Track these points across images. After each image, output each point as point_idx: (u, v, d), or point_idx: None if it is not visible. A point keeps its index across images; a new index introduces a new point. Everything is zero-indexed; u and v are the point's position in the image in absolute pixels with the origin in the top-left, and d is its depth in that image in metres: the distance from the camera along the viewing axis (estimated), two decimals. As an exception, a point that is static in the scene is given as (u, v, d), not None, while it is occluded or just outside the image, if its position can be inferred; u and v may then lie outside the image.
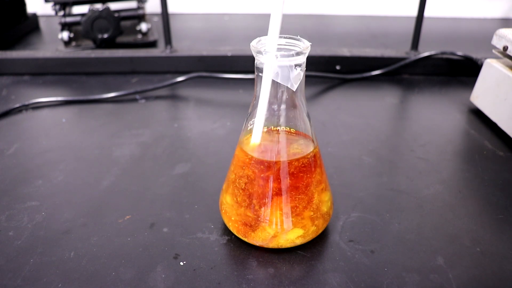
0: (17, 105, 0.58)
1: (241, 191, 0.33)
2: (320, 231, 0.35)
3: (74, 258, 0.34)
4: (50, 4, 0.78)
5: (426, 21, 0.69)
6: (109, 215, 0.38)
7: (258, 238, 0.33)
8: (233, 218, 0.34)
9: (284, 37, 0.31)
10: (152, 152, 0.48)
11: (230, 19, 1.04)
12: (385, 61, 0.69)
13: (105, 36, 0.77)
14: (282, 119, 0.32)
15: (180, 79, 0.65)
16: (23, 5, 0.91)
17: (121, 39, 0.82)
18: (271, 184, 0.32)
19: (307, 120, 0.33)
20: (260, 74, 0.30)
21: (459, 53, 0.68)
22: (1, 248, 0.35)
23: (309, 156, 0.33)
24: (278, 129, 0.32)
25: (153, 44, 0.84)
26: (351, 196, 0.41)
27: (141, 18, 0.83)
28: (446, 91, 0.65)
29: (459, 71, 0.70)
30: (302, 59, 0.29)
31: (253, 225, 0.33)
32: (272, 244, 0.33)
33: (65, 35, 0.79)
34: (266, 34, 0.31)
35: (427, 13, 0.67)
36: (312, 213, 0.33)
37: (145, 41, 0.84)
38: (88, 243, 0.35)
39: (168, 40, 0.70)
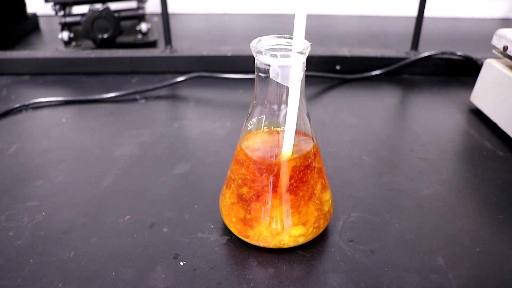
0: (17, 105, 0.58)
1: (241, 192, 0.33)
2: (321, 230, 0.35)
3: (74, 258, 0.34)
4: (50, 4, 0.78)
5: (426, 21, 0.69)
6: (109, 215, 0.38)
7: (259, 238, 0.33)
8: (233, 220, 0.34)
9: (284, 37, 0.31)
10: (152, 152, 0.48)
11: (230, 19, 1.04)
12: (385, 61, 0.69)
13: (105, 36, 0.77)
14: (282, 119, 0.32)
15: (180, 79, 0.65)
16: (23, 5, 0.91)
17: (121, 39, 0.82)
18: (271, 184, 0.32)
19: (307, 120, 0.33)
20: (260, 74, 0.30)
21: (459, 53, 0.68)
22: (1, 248, 0.35)
23: (309, 156, 0.33)
24: (278, 129, 0.32)
25: (153, 44, 0.84)
26: (351, 196, 0.41)
27: (141, 18, 0.83)
28: (446, 91, 0.65)
29: (459, 71, 0.70)
30: (302, 59, 0.29)
31: (254, 225, 0.33)
32: (274, 244, 0.33)
33: (65, 35, 0.79)
34: (266, 34, 0.31)
35: (427, 13, 0.67)
36: (313, 212, 0.33)
37: (145, 41, 0.84)
38: (88, 243, 0.35)
39: (168, 40, 0.70)
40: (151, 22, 0.93)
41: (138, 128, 0.54)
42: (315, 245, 0.35)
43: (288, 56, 0.28)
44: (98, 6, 0.77)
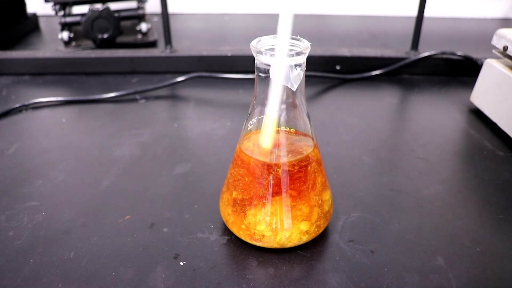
0: (17, 105, 0.58)
1: (241, 192, 0.33)
2: (321, 230, 0.35)
3: (74, 258, 0.34)
4: (50, 4, 0.78)
5: (426, 21, 0.69)
6: (109, 215, 0.38)
7: (260, 238, 0.33)
8: (231, 221, 0.34)
9: None
10: (152, 152, 0.48)
11: (230, 19, 1.04)
12: (385, 61, 0.69)
13: (105, 36, 0.77)
14: (282, 119, 0.32)
15: (180, 79, 0.65)
16: (23, 5, 0.91)
17: (121, 39, 0.82)
18: (271, 184, 0.32)
19: (307, 120, 0.33)
20: (260, 74, 0.30)
21: (459, 53, 0.68)
22: (1, 248, 0.35)
23: (309, 156, 0.33)
24: (278, 129, 0.32)
25: (153, 44, 0.84)
26: (351, 196, 0.41)
27: (141, 18, 0.83)
28: (446, 91, 0.65)
29: (459, 71, 0.70)
30: (302, 59, 0.29)
31: (254, 225, 0.33)
32: (276, 244, 0.33)
33: (65, 35, 0.79)
34: (266, 34, 0.31)
35: (427, 13, 0.67)
36: (314, 212, 0.33)
37: (145, 41, 0.84)
38: (88, 243, 0.35)
39: (168, 40, 0.70)
40: (151, 22, 0.93)
41: (138, 128, 0.54)
42: (315, 245, 0.35)
43: (290, 55, 0.28)
44: (98, 6, 0.77)
